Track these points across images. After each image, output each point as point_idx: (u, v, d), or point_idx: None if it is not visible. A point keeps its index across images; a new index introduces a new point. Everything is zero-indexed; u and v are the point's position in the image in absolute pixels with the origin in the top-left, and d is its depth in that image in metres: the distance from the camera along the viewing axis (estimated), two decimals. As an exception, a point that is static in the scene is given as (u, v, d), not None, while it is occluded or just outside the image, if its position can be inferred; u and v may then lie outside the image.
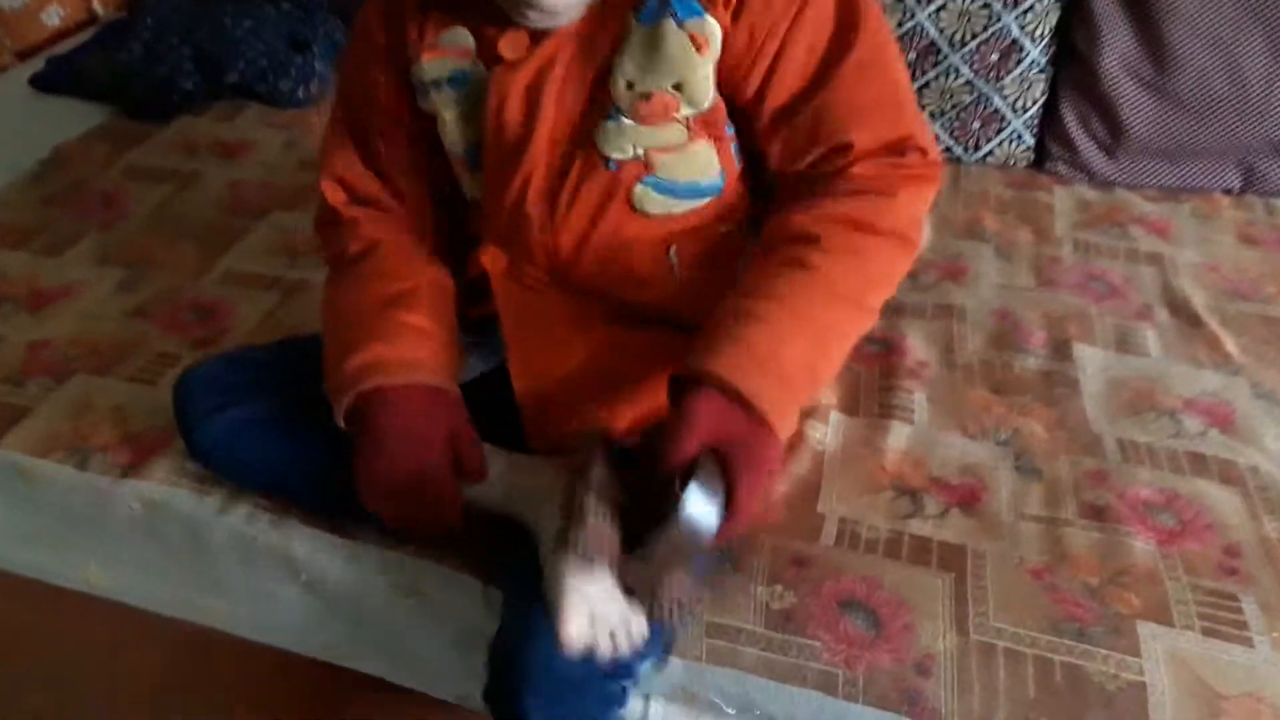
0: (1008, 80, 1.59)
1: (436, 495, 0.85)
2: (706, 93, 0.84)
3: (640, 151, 0.86)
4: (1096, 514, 1.02)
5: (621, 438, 0.84)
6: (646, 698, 0.95)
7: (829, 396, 1.15)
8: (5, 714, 1.23)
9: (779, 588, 0.94)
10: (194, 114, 1.82)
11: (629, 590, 0.72)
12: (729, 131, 0.89)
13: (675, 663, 0.91)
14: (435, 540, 0.96)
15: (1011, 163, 1.66)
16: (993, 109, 1.61)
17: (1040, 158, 1.65)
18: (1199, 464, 1.08)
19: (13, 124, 1.80)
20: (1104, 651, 0.88)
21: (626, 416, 0.90)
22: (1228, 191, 1.58)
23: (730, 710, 0.92)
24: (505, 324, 0.94)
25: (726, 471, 0.74)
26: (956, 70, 1.60)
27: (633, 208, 0.89)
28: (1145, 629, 0.90)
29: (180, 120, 1.79)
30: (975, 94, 1.61)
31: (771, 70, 0.83)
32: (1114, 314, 1.31)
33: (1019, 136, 1.63)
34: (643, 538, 0.71)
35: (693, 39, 0.81)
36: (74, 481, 1.06)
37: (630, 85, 0.84)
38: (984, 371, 1.21)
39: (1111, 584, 0.94)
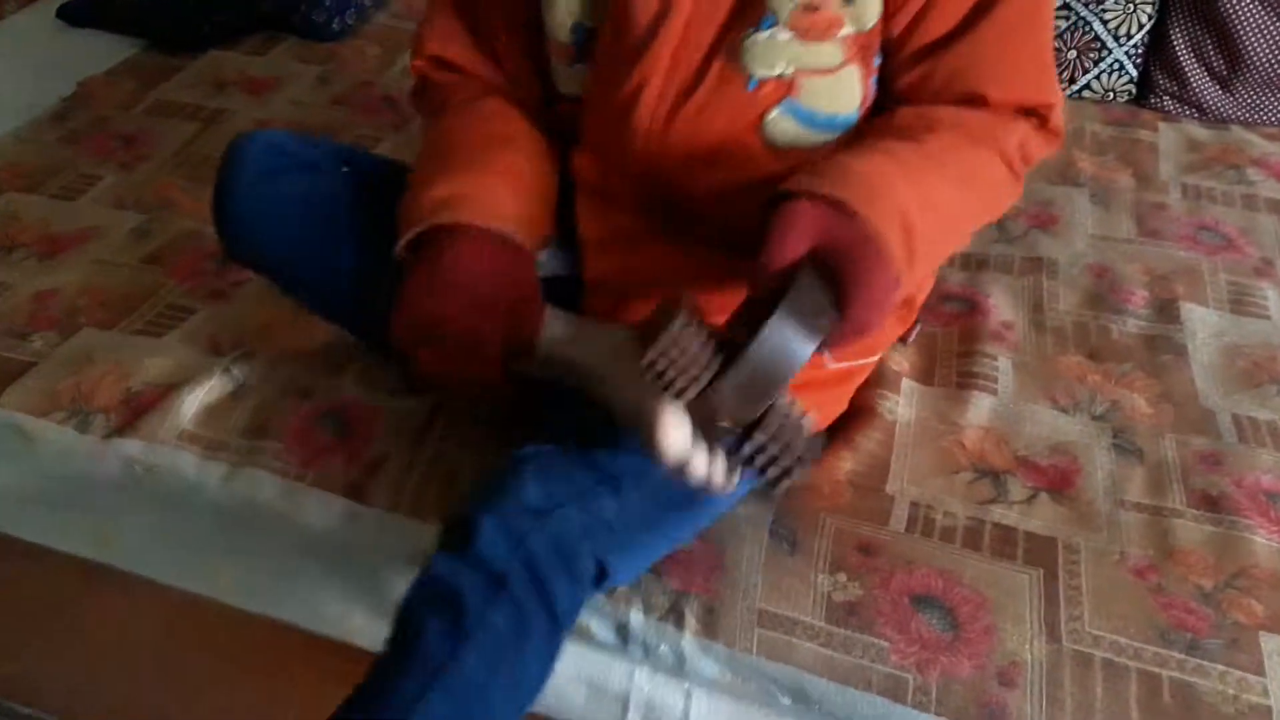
0: (1109, 3, 1.47)
1: (481, 364, 0.77)
2: (875, 10, 0.77)
3: (789, 70, 0.77)
4: (1209, 503, 0.91)
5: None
6: (687, 693, 0.87)
7: (900, 363, 1.04)
8: (18, 683, 1.20)
9: (842, 576, 0.86)
10: (225, 47, 1.74)
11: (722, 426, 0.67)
12: (876, 61, 0.81)
13: (720, 652, 0.84)
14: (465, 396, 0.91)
15: (1111, 97, 1.53)
16: (1091, 36, 1.48)
17: (1144, 91, 1.53)
18: (1331, 446, 0.96)
19: (38, 58, 1.74)
20: (1221, 667, 0.79)
21: None
22: (1361, 130, 1.45)
23: (785, 700, 0.84)
24: (587, 242, 0.87)
25: (835, 275, 0.66)
26: (1051, -8, 1.46)
27: (761, 135, 0.80)
28: (1270, 642, 0.80)
29: (210, 54, 1.72)
30: (1072, 18, 1.48)
31: (926, 7, 0.77)
32: (1228, 270, 1.20)
33: (1120, 67, 1.50)
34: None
35: None
36: (74, 444, 1.00)
37: None
38: (1078, 335, 1.10)
39: (1229, 587, 0.84)
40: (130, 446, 0.97)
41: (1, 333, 1.10)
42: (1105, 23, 1.47)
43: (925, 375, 1.05)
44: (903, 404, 1.00)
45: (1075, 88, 1.52)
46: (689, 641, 0.84)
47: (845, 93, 0.80)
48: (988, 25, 0.77)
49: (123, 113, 1.54)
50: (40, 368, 1.05)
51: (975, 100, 0.79)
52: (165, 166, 1.41)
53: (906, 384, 1.03)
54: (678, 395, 0.65)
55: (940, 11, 0.77)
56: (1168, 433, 0.98)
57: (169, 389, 1.00)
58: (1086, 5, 1.46)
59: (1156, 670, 0.78)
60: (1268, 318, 1.12)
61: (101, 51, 1.72)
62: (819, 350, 0.66)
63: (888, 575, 0.85)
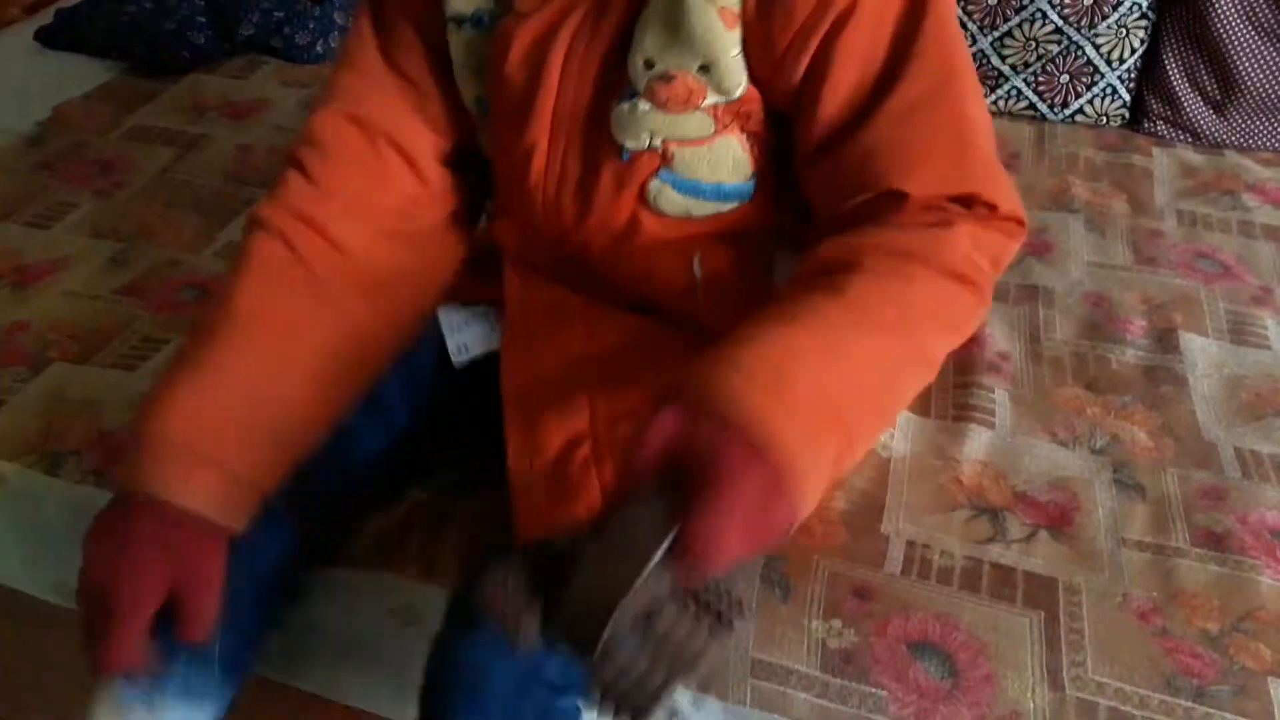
0: (1102, 26, 1.44)
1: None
2: (738, 79, 0.73)
3: (657, 142, 0.75)
4: (1214, 542, 0.88)
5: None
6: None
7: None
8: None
9: (837, 623, 0.82)
10: (206, 71, 1.71)
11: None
12: (768, 129, 0.77)
13: (713, 705, 0.81)
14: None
15: (1104, 122, 1.51)
16: (1084, 60, 1.46)
17: (1138, 116, 1.51)
18: (1338, 481, 0.94)
19: (14, 82, 1.70)
20: (1229, 715, 0.76)
21: (620, 422, 0.78)
22: (1357, 154, 1.44)
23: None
24: (508, 309, 0.86)
25: (684, 492, 0.55)
26: (1043, 15, 1.45)
27: (648, 204, 0.79)
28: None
29: (190, 78, 1.68)
30: (1064, 43, 1.46)
31: (812, 93, 0.71)
32: (1227, 298, 1.17)
33: (1113, 91, 1.48)
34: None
35: (721, 13, 0.70)
36: (45, 488, 0.96)
37: (649, 64, 0.73)
38: (1076, 366, 1.08)
39: (1235, 631, 0.81)
40: (102, 494, 0.93)
41: (-30, 369, 1.06)
42: (1097, 47, 1.45)
43: (920, 408, 1.02)
44: (897, 438, 0.98)
45: (1068, 112, 1.50)
46: (680, 694, 0.80)
47: (727, 162, 0.77)
48: (888, 106, 0.70)
49: (100, 138, 1.51)
50: (10, 406, 1.01)
51: (894, 198, 0.70)
52: (143, 194, 1.38)
53: (901, 417, 1.00)
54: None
55: (828, 99, 0.71)
56: (1169, 467, 0.95)
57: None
58: (1079, 29, 1.44)
59: (1163, 719, 0.76)
60: (1269, 348, 1.09)
61: (79, 75, 1.69)
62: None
63: (884, 621, 0.82)
